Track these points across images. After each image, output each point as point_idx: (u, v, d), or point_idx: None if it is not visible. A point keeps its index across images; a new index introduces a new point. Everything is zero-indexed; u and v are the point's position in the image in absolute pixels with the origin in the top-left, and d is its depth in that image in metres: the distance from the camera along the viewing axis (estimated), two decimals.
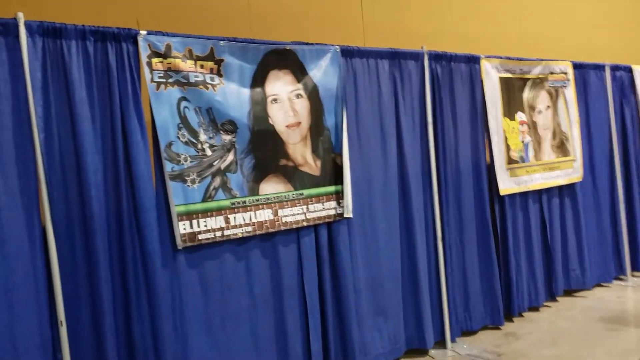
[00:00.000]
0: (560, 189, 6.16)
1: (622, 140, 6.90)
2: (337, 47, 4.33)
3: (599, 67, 6.67)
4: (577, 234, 6.23)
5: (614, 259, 6.71)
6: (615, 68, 6.85)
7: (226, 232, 3.69)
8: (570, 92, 6.23)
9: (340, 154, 4.27)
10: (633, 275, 6.82)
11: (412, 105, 4.88)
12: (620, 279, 6.68)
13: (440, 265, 4.94)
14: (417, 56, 4.91)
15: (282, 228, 3.96)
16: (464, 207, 5.20)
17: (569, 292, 6.20)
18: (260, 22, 4.75)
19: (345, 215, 4.25)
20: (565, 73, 6.21)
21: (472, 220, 5.26)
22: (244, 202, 3.79)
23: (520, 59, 5.77)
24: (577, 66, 6.39)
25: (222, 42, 3.72)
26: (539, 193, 5.93)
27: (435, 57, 5.05)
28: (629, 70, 7.02)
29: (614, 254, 6.72)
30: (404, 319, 4.73)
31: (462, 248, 5.19)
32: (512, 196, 5.62)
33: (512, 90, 5.69)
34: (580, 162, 6.24)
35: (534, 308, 5.80)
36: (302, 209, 4.06)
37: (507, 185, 5.54)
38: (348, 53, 4.45)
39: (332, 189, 4.23)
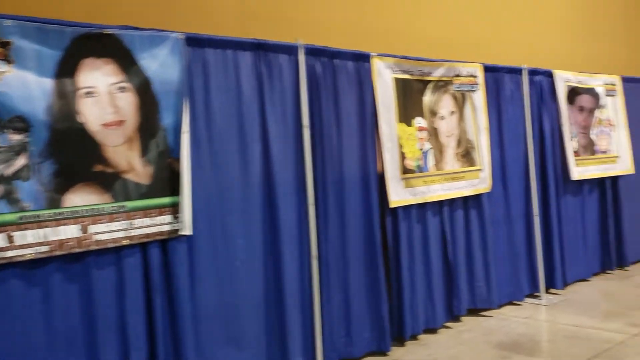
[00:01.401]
0: (466, 200, 5.46)
1: (539, 149, 6.24)
2: (180, 34, 3.56)
3: (515, 71, 6.00)
4: (484, 248, 5.54)
5: (527, 275, 6.04)
6: (533, 72, 6.19)
7: (9, 254, 2.89)
8: (479, 97, 5.54)
9: (179, 159, 3.50)
10: (549, 293, 6.17)
11: (284, 107, 4.13)
12: (535, 297, 6.02)
13: (314, 286, 4.19)
14: (290, 50, 4.16)
15: (94, 247, 3.18)
16: (348, 221, 4.47)
17: (474, 311, 5.51)
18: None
19: (181, 232, 3.47)
20: (475, 76, 5.52)
21: (357, 235, 4.53)
22: (38, 216, 2.99)
23: (420, 59, 5.06)
24: (488, 69, 5.71)
25: (8, 20, 2.92)
26: (440, 205, 5.23)
27: (314, 52, 4.31)
28: (549, 74, 6.37)
29: (528, 269, 6.06)
30: (267, 348, 3.98)
31: (344, 266, 4.45)
32: (407, 208, 4.90)
33: (409, 93, 4.98)
34: (489, 172, 5.55)
35: (432, 330, 5.09)
36: (123, 224, 3.28)
37: (400, 196, 4.82)
38: (196, 42, 3.68)
39: (166, 200, 3.46)
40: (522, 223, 6.02)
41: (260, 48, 3.99)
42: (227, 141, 3.80)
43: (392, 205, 4.72)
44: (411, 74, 4.98)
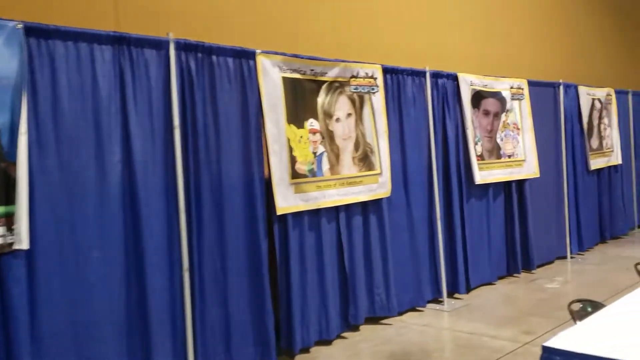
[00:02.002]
0: (365, 206, 5.23)
1: (443, 153, 6.10)
2: (19, 23, 3.14)
3: (418, 73, 5.83)
4: (384, 254, 5.33)
5: (430, 281, 5.88)
6: (437, 75, 6.04)
7: None
8: (378, 99, 5.32)
9: (15, 163, 3.07)
10: (454, 297, 6.04)
11: (151, 106, 3.76)
12: (438, 302, 5.86)
13: (185, 301, 3.84)
14: (158, 44, 3.80)
15: None
16: (227, 229, 4.14)
17: (374, 320, 5.28)
18: None
19: (16, 247, 3.05)
20: (374, 78, 5.30)
21: (239, 244, 4.22)
22: None
23: (312, 58, 4.79)
24: (389, 70, 5.51)
25: None
26: (336, 211, 4.97)
27: (188, 47, 3.96)
28: (454, 77, 6.24)
29: (431, 275, 5.89)
30: None
31: (223, 278, 4.12)
32: (298, 215, 4.62)
33: (301, 93, 4.70)
34: (388, 177, 5.34)
35: (326, 341, 4.82)
36: None
37: (289, 202, 4.52)
38: (42, 33, 3.27)
39: None
40: (425, 228, 5.86)
41: (121, 42, 3.61)
42: (80, 143, 3.40)
43: (280, 212, 4.42)
44: (302, 74, 4.70)
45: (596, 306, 2.77)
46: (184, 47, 3.92)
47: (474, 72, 6.52)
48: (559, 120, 7.74)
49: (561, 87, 7.74)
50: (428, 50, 6.69)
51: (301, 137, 4.64)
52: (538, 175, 7.16)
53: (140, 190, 3.63)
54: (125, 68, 3.62)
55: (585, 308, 2.79)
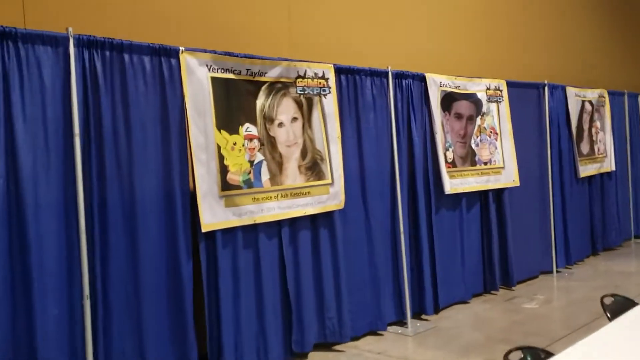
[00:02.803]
0: (314, 219, 4.77)
1: (408, 160, 5.63)
2: None
3: (379, 74, 5.36)
4: (336, 274, 4.86)
5: (393, 301, 5.40)
6: (401, 75, 5.57)
7: None
8: (330, 102, 4.86)
9: None
10: (421, 319, 5.56)
11: (44, 111, 3.32)
12: (402, 325, 5.38)
13: (86, 333, 3.38)
14: (55, 41, 3.35)
15: None
16: (142, 250, 3.70)
17: (325, 346, 4.82)
18: None
19: None
20: (325, 78, 4.84)
21: (156, 267, 3.77)
22: None
23: (249, 57, 4.33)
24: (343, 70, 5.05)
25: None
26: (278, 226, 4.51)
27: (92, 44, 3.52)
28: (421, 78, 5.77)
29: (394, 295, 5.42)
30: None
31: (136, 305, 3.67)
32: (230, 232, 4.16)
33: (235, 95, 4.25)
34: (341, 187, 4.88)
35: None
36: None
37: (218, 217, 4.07)
38: None
39: None
40: (387, 242, 5.39)
41: (5, 38, 3.16)
42: None
43: (205, 229, 3.97)
44: (237, 74, 4.25)
45: (536, 356, 2.29)
46: (87, 44, 3.48)
47: (449, 73, 6.05)
48: (544, 124, 7.25)
49: (546, 88, 7.24)
50: (395, 50, 6.24)
51: (234, 144, 4.19)
52: (518, 184, 6.67)
53: (28, 209, 3.19)
54: (11, 68, 3.18)
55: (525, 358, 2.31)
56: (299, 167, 4.61)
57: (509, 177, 6.61)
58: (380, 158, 5.33)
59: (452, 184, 5.91)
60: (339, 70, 4.99)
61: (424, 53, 6.54)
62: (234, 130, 4.20)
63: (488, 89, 6.47)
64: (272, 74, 4.46)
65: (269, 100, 4.44)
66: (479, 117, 6.36)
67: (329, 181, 4.79)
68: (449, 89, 6.02)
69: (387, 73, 5.40)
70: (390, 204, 5.42)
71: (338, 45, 5.68)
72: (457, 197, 6.07)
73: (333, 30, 5.72)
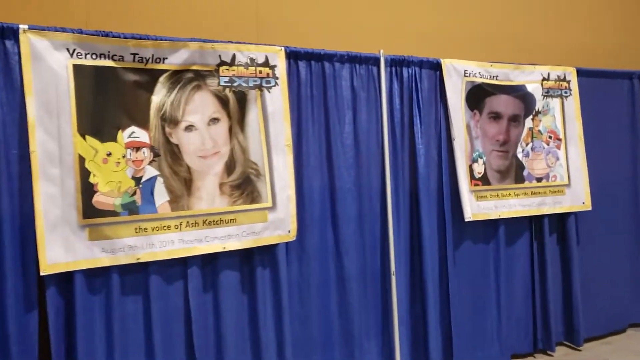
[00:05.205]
0: (248, 255, 3.49)
1: (410, 175, 4.14)
2: None
3: (363, 60, 3.95)
4: (279, 334, 3.53)
5: None
6: (399, 62, 4.10)
7: None
8: (277, 98, 3.56)
9: None
10: None
11: None
12: None
13: None
14: None
15: None
16: None
17: None
18: None
19: None
20: (271, 66, 3.55)
21: None
22: None
23: (135, 37, 3.17)
24: (302, 55, 3.72)
25: None
26: (184, 265, 3.30)
27: None
28: (435, 66, 4.24)
29: (382, 357, 3.96)
30: None
31: None
32: (98, 274, 3.03)
33: (114, 89, 3.11)
34: (291, 212, 3.55)
35: None
36: None
37: (77, 254, 2.95)
38: None
39: None
40: (373, 286, 3.95)
41: None
42: None
43: (50, 270, 2.87)
44: (118, 60, 3.12)
45: None
46: None
47: (480, 59, 4.45)
48: (637, 128, 5.28)
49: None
50: (398, 31, 4.71)
51: (108, 154, 3.05)
52: (589, 208, 4.82)
53: None
54: None
55: None
56: (221, 185, 3.37)
57: (576, 198, 4.80)
58: (362, 172, 3.91)
59: (479, 208, 4.30)
60: (295, 55, 3.66)
61: (440, 34, 4.91)
62: (108, 136, 3.06)
63: (545, 79, 4.72)
64: (176, 59, 3.26)
65: (173, 95, 3.25)
66: (530, 117, 4.65)
67: (268, 204, 3.48)
68: (479, 80, 4.41)
69: (377, 59, 3.97)
70: (380, 233, 3.98)
71: (323, 27, 4.32)
72: (492, 225, 4.44)
73: (314, 10, 4.38)
